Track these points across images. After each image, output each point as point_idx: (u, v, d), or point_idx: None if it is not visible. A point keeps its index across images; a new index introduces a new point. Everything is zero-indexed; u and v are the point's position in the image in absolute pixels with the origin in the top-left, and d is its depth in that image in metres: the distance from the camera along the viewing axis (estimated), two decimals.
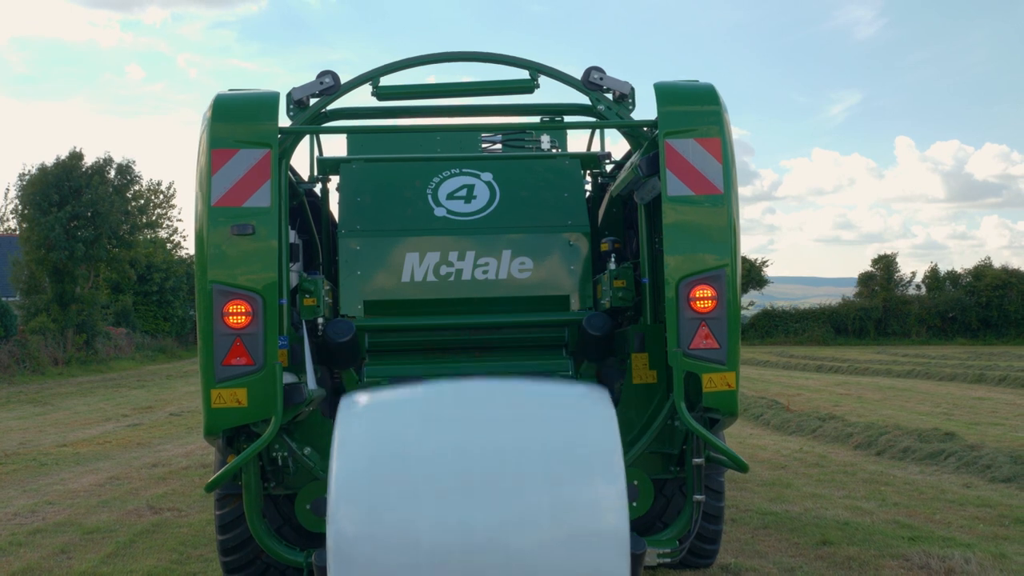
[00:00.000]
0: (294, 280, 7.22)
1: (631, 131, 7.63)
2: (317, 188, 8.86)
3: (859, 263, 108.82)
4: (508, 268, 7.86)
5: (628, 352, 7.43)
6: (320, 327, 7.36)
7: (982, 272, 63.89)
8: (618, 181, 8.08)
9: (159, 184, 67.76)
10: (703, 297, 6.54)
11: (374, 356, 7.87)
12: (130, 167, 51.94)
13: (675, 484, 7.66)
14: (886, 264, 66.96)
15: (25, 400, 26.41)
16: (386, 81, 7.58)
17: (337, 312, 7.82)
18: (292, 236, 7.32)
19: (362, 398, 5.94)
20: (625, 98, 7.50)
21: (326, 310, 7.47)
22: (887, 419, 17.97)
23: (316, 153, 9.00)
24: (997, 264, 64.89)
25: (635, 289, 7.69)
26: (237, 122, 6.51)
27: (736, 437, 16.32)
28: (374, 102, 7.81)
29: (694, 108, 6.75)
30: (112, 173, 49.72)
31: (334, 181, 8.90)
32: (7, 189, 74.98)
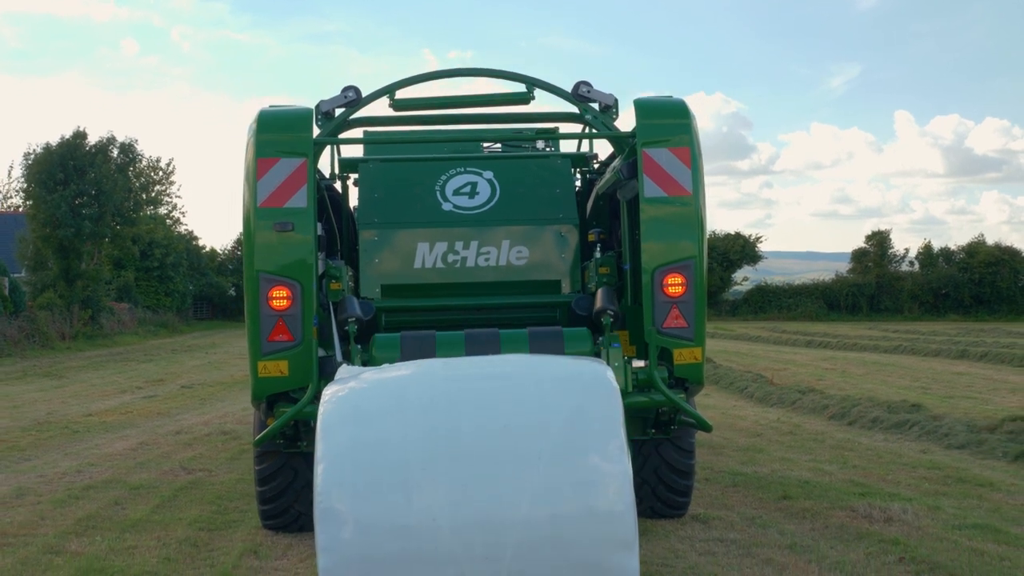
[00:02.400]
0: (320, 267, 8.35)
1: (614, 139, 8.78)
2: (337, 184, 9.99)
3: (857, 238, 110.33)
4: (507, 256, 8.99)
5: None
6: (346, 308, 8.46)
7: (975, 249, 64.79)
8: (603, 181, 9.22)
9: (158, 161, 68.48)
10: (674, 283, 7.71)
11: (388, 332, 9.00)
12: (132, 146, 52.77)
13: (652, 445, 8.81)
14: (880, 240, 67.79)
15: (40, 374, 27.28)
16: (400, 93, 8.75)
17: (357, 295, 8.95)
18: (318, 228, 8.45)
19: (348, 382, 6.07)
20: (609, 108, 8.66)
21: (349, 293, 8.61)
22: (864, 392, 19.04)
23: (337, 155, 10.13)
24: (991, 241, 65.82)
25: (618, 275, 8.84)
26: (278, 134, 7.67)
27: (719, 408, 17.47)
28: (384, 108, 8.98)
29: (667, 121, 7.90)
30: (115, 152, 50.60)
31: (352, 178, 10.15)
32: (10, 167, 75.56)
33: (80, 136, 45.98)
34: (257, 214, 7.60)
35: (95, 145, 46.38)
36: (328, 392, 5.68)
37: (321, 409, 5.56)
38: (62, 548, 8.42)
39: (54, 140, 44.84)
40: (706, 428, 7.99)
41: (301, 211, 7.60)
